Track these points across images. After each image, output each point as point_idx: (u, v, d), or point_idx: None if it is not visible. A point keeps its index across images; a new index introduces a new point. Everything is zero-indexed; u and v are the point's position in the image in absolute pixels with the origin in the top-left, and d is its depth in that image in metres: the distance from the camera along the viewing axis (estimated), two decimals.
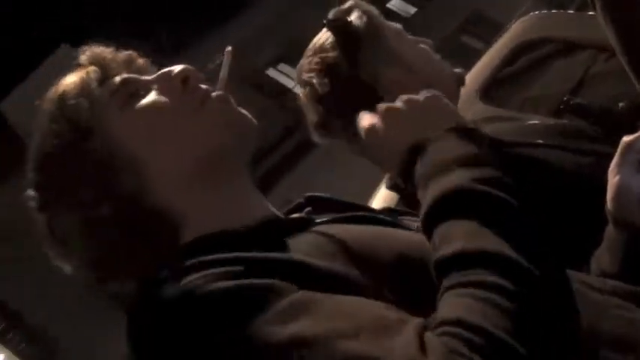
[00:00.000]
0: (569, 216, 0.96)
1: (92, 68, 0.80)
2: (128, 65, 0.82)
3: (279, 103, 10.11)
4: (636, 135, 0.71)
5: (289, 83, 10.60)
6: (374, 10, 1.21)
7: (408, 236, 0.75)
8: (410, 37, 1.24)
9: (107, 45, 0.85)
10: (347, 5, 1.19)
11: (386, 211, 0.96)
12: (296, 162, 10.15)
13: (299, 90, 1.26)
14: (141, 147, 0.73)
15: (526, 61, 2.02)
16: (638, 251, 0.71)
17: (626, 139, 0.73)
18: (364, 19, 1.16)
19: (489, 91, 1.93)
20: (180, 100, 0.76)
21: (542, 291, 0.58)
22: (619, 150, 0.73)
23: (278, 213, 0.81)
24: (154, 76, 0.81)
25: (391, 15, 14.47)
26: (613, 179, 0.72)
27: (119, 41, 0.85)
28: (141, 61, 0.85)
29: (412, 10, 14.52)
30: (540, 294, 0.58)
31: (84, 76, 0.79)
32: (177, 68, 0.79)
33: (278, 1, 13.15)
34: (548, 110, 1.64)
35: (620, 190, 0.71)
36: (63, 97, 0.77)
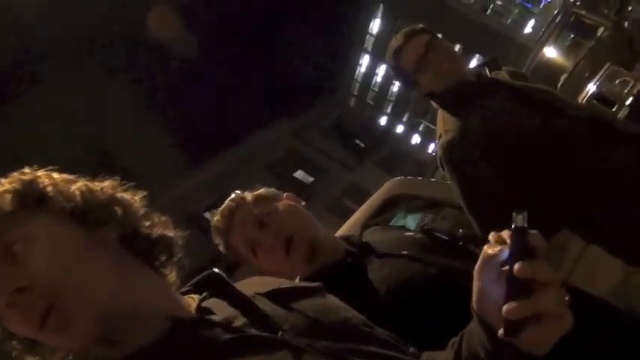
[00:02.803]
0: (419, 310, 0.94)
1: None
2: None
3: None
4: (496, 249, 0.57)
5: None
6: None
7: None
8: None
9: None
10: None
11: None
12: None
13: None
14: None
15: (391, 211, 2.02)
16: (493, 344, 0.59)
17: (489, 251, 0.58)
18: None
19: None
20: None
21: None
22: (481, 259, 0.59)
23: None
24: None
25: (296, 182, 14.93)
26: (476, 283, 0.59)
27: None
28: None
29: (310, 179, 15.15)
30: None
31: None
32: (8, 296, 0.57)
33: (215, 166, 13.27)
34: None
35: (481, 294, 0.59)
36: None
